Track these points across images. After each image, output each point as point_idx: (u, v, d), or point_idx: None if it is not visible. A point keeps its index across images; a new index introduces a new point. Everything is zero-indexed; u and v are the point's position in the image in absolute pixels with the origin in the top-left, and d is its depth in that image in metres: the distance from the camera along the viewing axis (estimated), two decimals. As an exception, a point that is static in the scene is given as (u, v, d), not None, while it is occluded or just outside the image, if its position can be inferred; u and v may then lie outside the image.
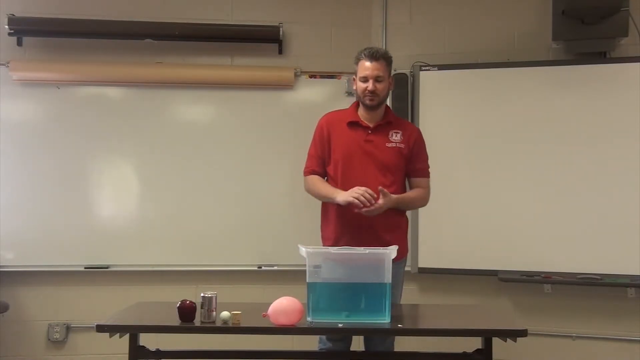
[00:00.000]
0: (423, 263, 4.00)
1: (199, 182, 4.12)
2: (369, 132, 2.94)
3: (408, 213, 4.00)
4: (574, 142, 3.84)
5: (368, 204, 2.72)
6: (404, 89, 4.04)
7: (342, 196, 2.78)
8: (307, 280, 2.41)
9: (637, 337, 3.82)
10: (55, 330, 4.07)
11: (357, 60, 2.93)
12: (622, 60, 3.81)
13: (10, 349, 4.04)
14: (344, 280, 2.41)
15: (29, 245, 4.01)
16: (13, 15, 3.97)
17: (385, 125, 2.96)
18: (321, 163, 3.01)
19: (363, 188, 2.74)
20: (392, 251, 2.41)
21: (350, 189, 2.81)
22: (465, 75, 4.02)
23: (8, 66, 3.99)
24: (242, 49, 4.18)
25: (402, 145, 2.94)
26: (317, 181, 2.99)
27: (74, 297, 4.08)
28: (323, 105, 4.15)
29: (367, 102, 2.91)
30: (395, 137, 2.95)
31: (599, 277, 3.69)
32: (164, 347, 2.61)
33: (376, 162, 2.90)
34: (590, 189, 3.79)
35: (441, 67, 4.02)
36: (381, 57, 2.89)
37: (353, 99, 4.16)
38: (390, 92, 4.01)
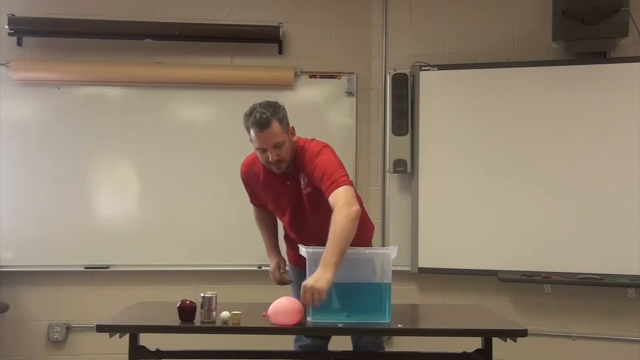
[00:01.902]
0: (423, 263, 4.00)
1: (199, 182, 4.12)
2: (287, 182, 2.68)
3: (408, 214, 4.05)
4: (574, 142, 3.84)
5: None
6: (404, 89, 4.03)
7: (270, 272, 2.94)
8: (307, 280, 2.40)
9: (637, 337, 3.82)
10: (55, 330, 4.07)
11: (247, 128, 2.60)
12: (622, 60, 3.81)
13: (10, 349, 4.04)
14: (344, 280, 2.40)
15: (29, 245, 4.01)
16: (13, 15, 3.97)
17: (295, 172, 2.67)
18: (258, 201, 2.94)
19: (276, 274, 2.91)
20: (392, 251, 2.41)
21: (296, 232, 2.76)
22: (465, 75, 4.02)
23: (8, 66, 3.99)
24: (242, 49, 4.18)
25: (310, 189, 2.65)
26: (259, 222, 3.01)
27: (74, 297, 4.08)
28: (323, 105, 4.18)
29: (276, 170, 2.62)
30: (304, 181, 2.65)
31: (599, 277, 3.69)
32: (164, 347, 2.61)
33: (302, 209, 2.70)
34: (590, 189, 3.79)
35: (441, 67, 4.02)
36: (271, 119, 2.52)
37: (353, 100, 4.21)
38: (390, 93, 4.07)
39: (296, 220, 2.74)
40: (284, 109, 2.60)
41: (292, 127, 2.65)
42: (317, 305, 2.28)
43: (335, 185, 2.48)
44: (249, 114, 2.58)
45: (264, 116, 2.51)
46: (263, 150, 2.56)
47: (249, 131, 2.59)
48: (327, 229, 2.38)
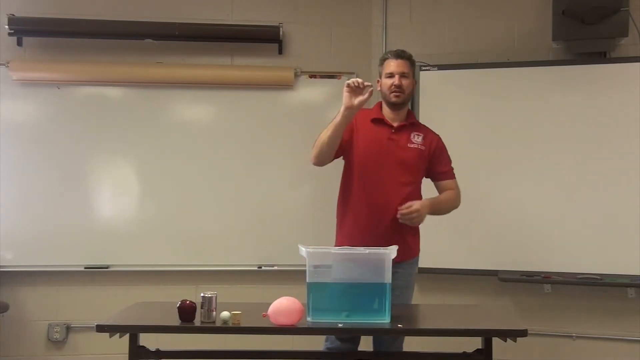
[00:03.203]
0: (423, 263, 3.94)
1: (199, 182, 4.12)
2: (392, 130, 2.97)
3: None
4: (574, 142, 3.84)
5: (360, 86, 2.72)
6: (404, 89, 4.04)
7: (344, 104, 2.76)
8: (307, 280, 2.41)
9: (637, 337, 3.82)
10: (55, 330, 4.07)
11: (383, 60, 3.01)
12: (622, 60, 3.81)
13: (10, 349, 4.04)
14: (344, 280, 2.41)
15: (29, 245, 4.01)
16: (13, 15, 3.97)
17: (408, 126, 3.00)
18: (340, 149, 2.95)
19: (352, 79, 2.74)
20: (392, 251, 2.42)
21: (368, 185, 2.90)
22: (465, 75, 4.02)
23: (8, 66, 3.99)
24: (242, 49, 4.18)
25: (423, 148, 2.98)
26: (321, 132, 2.92)
27: (74, 297, 4.08)
28: (323, 105, 4.17)
29: (393, 98, 2.94)
30: (417, 138, 2.99)
31: (599, 277, 3.69)
32: (164, 347, 2.61)
33: (396, 160, 2.93)
34: (590, 189, 3.79)
35: (441, 67, 4.02)
36: (406, 57, 2.99)
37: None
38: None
39: (379, 166, 2.91)
40: (415, 64, 3.09)
41: (415, 81, 3.15)
42: (415, 223, 2.87)
43: (452, 174, 3.11)
44: (390, 50, 3.12)
45: (406, 52, 3.02)
46: (390, 75, 2.95)
47: (382, 63, 3.02)
48: (397, 188, 2.88)
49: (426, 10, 4.21)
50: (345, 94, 2.77)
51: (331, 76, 4.19)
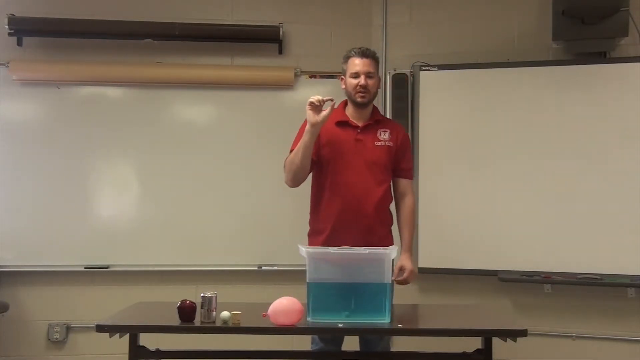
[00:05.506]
0: (423, 263, 4.00)
1: (199, 182, 4.12)
2: (358, 131, 2.95)
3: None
4: (573, 142, 3.84)
5: (321, 104, 2.78)
6: (404, 89, 4.03)
7: (309, 121, 2.79)
8: (307, 280, 2.41)
9: (637, 337, 3.82)
10: (55, 330, 4.07)
11: (347, 58, 2.96)
12: (622, 60, 3.81)
13: (10, 349, 4.04)
14: (344, 280, 2.41)
15: (29, 245, 4.01)
16: (13, 15, 3.97)
17: (373, 124, 2.98)
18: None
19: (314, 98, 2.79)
20: (392, 251, 2.42)
21: (340, 188, 2.88)
22: (465, 75, 4.02)
23: (8, 66, 3.99)
24: (242, 49, 4.19)
25: (391, 144, 2.97)
26: (292, 152, 2.95)
27: (74, 297, 4.08)
28: (323, 105, 4.16)
29: (359, 99, 2.92)
30: (384, 135, 2.97)
31: (599, 277, 3.69)
32: (164, 347, 2.61)
33: (365, 161, 2.91)
34: (590, 189, 3.79)
35: (441, 67, 4.02)
36: (371, 55, 2.94)
37: (352, 99, 4.20)
38: (390, 93, 4.09)
39: (349, 169, 2.90)
40: (379, 62, 3.06)
41: (380, 79, 3.04)
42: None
43: (412, 174, 3.09)
44: (353, 48, 2.99)
45: (370, 50, 2.97)
46: (356, 75, 2.90)
47: (347, 60, 2.96)
48: (370, 189, 2.88)
49: (426, 10, 4.21)
50: (309, 111, 2.79)
51: (331, 76, 4.18)
